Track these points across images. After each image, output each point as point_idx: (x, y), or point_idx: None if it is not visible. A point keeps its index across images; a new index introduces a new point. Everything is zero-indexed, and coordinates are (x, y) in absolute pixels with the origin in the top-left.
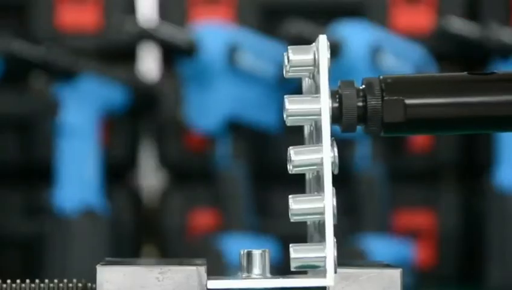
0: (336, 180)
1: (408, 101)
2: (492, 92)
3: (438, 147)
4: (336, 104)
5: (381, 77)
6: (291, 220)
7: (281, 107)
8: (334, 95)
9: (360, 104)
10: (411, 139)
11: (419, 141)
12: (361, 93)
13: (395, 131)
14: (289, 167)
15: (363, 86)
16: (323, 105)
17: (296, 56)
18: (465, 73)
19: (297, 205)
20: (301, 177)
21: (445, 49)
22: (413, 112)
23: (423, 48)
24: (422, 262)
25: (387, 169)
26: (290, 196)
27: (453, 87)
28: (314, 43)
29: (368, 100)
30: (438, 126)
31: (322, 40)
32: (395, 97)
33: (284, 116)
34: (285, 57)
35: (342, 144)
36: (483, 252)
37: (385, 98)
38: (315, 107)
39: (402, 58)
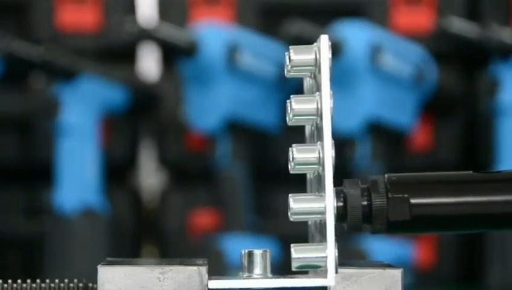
0: (336, 179)
1: (413, 200)
2: (498, 191)
3: (438, 147)
4: (341, 203)
5: (386, 175)
6: (291, 219)
7: (280, 107)
8: (338, 193)
9: (365, 203)
10: (411, 138)
11: (420, 140)
12: (365, 193)
13: (401, 229)
14: (290, 165)
15: (368, 185)
16: (325, 106)
17: (297, 56)
18: (470, 172)
19: (297, 204)
20: (301, 177)
21: (445, 49)
22: (419, 210)
23: (423, 48)
24: (422, 262)
25: (387, 169)
26: (290, 195)
27: (458, 186)
28: (315, 43)
29: (373, 199)
30: (443, 225)
31: (324, 40)
32: (400, 195)
33: (288, 118)
34: (287, 57)
35: (342, 144)
36: (483, 252)
37: (390, 196)
38: (316, 107)
39: (402, 58)
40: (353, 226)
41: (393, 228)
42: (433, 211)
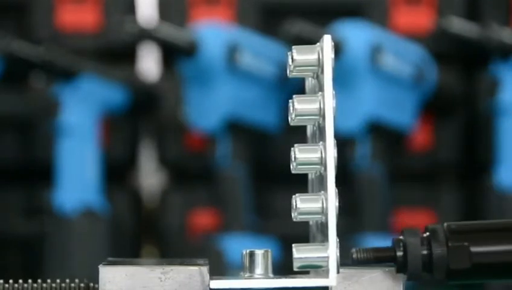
0: (336, 179)
1: (473, 249)
2: None
3: (438, 147)
4: (401, 253)
5: (445, 224)
6: (296, 219)
7: (280, 107)
8: (398, 243)
9: (425, 252)
10: (411, 138)
11: (420, 140)
12: (425, 242)
13: (461, 277)
14: (292, 165)
15: (427, 234)
16: (328, 106)
17: (300, 56)
18: None
19: (304, 204)
20: (301, 177)
21: (445, 49)
22: (479, 258)
23: (423, 48)
24: None
25: (388, 169)
26: (296, 195)
27: None
28: (318, 43)
29: (433, 248)
30: (504, 272)
31: (327, 40)
32: (460, 244)
33: (290, 118)
34: (290, 57)
35: (342, 143)
36: None
37: (450, 245)
38: (318, 107)
39: (402, 58)
40: (413, 276)
41: (453, 276)
42: (493, 258)
